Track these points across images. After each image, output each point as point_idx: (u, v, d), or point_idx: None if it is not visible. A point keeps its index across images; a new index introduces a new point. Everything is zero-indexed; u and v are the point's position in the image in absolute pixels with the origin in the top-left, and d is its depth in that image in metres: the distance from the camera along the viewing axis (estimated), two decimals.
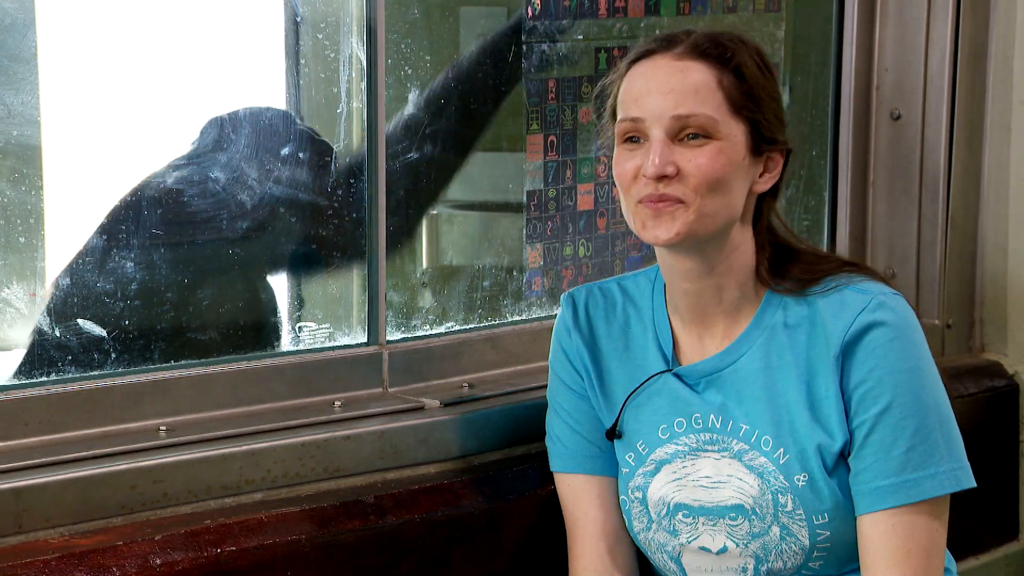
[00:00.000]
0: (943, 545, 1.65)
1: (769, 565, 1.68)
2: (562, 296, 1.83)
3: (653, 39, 1.65)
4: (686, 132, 1.60)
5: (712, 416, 1.69)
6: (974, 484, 1.65)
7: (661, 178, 1.59)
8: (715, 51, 1.61)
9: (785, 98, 2.52)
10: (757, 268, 1.69)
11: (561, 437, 1.80)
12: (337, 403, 1.92)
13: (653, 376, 1.73)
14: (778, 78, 1.68)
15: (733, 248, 1.66)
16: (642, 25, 2.29)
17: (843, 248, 2.53)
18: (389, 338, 2.01)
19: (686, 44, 1.62)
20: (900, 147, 2.52)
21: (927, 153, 2.50)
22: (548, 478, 1.87)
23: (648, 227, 1.61)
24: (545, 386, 1.86)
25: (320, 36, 2.05)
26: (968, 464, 1.65)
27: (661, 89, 1.60)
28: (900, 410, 1.62)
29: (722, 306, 1.69)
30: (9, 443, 1.66)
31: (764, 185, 1.65)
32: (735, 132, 1.61)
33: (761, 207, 1.69)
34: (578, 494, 1.78)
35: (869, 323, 1.63)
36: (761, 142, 1.63)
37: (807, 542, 1.66)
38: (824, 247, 2.54)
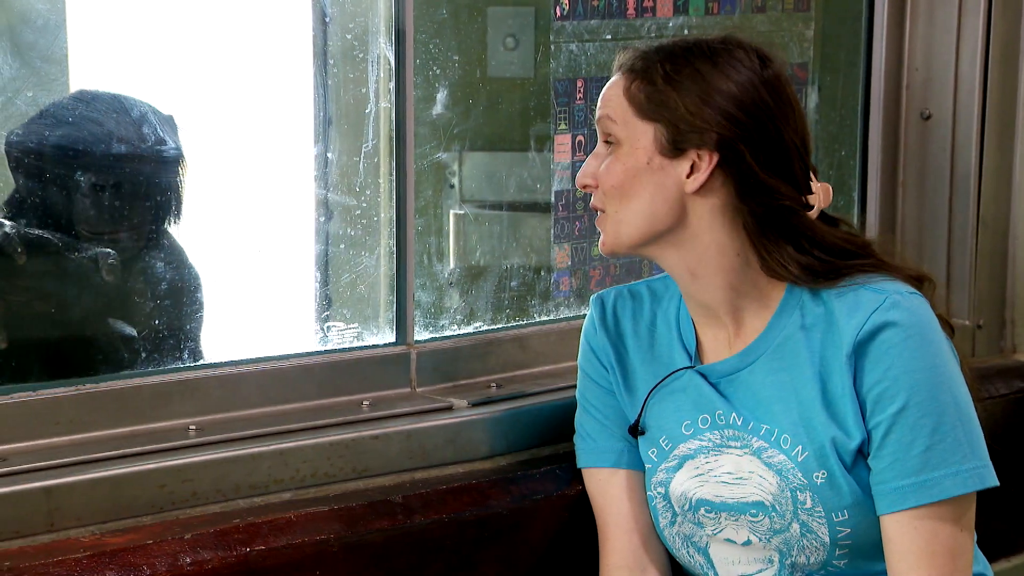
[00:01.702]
0: (969, 546, 1.64)
1: (793, 559, 1.68)
2: (591, 297, 1.83)
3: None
4: (606, 139, 1.69)
5: (734, 414, 1.70)
6: (997, 483, 1.63)
7: (585, 187, 1.70)
8: (632, 63, 1.68)
9: (814, 98, 2.51)
10: (762, 268, 1.68)
11: (591, 433, 1.81)
12: (365, 403, 1.92)
13: (676, 371, 1.73)
14: (707, 80, 1.64)
15: (704, 249, 1.66)
16: (670, 25, 2.28)
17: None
18: (417, 338, 2.01)
19: (618, 61, 1.71)
20: (930, 147, 2.51)
21: (958, 153, 2.49)
22: (576, 478, 1.87)
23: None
24: (573, 386, 1.87)
25: (349, 36, 2.06)
26: (990, 462, 1.64)
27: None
28: (917, 409, 1.61)
29: (727, 306, 1.70)
30: (40, 442, 1.67)
31: (692, 185, 1.65)
32: (639, 135, 1.65)
33: (751, 205, 1.65)
34: (609, 489, 1.79)
35: (882, 323, 1.62)
36: (678, 142, 1.64)
37: (827, 539, 1.65)
38: None
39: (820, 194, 1.70)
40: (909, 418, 1.61)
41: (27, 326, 1.77)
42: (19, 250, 1.71)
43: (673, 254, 1.68)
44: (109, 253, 1.79)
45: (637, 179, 1.66)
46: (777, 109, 1.65)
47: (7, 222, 1.74)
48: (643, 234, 1.67)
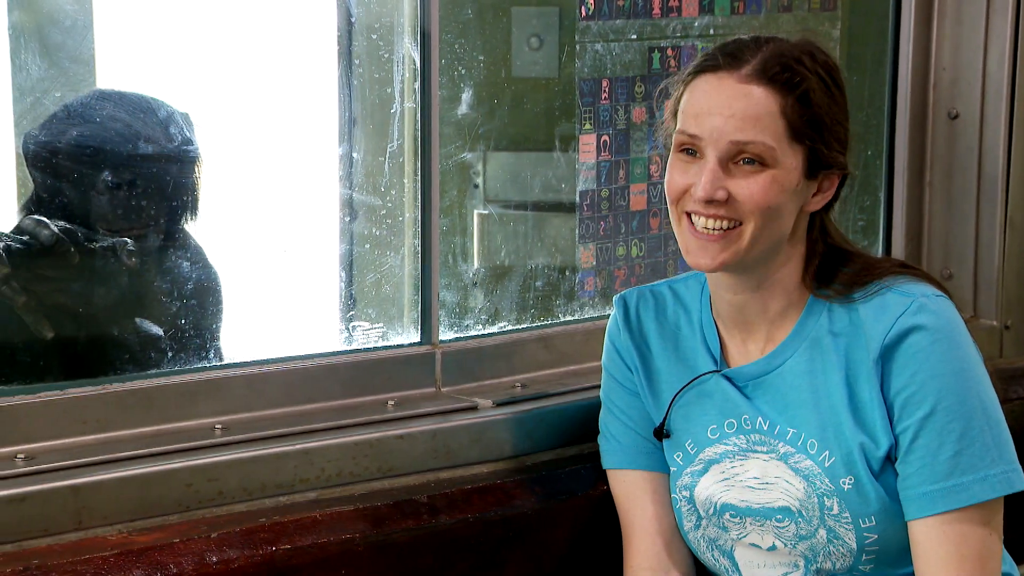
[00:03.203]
0: (998, 549, 1.63)
1: (819, 565, 1.67)
2: (614, 298, 1.83)
3: (721, 49, 1.63)
4: (742, 157, 1.60)
5: (760, 419, 1.69)
6: None
7: (710, 201, 1.60)
8: (782, 75, 1.59)
9: None
10: (803, 275, 1.68)
11: (616, 434, 1.81)
12: (390, 402, 1.92)
13: (702, 375, 1.72)
14: (846, 96, 1.65)
15: (781, 265, 1.66)
16: (696, 25, 2.28)
17: (899, 250, 2.51)
18: (442, 338, 2.01)
19: (753, 65, 1.60)
20: (957, 146, 2.49)
21: (985, 153, 2.47)
22: (601, 478, 1.86)
23: (691, 252, 1.63)
24: (598, 386, 1.86)
25: (374, 37, 2.06)
26: (1020, 466, 1.63)
27: (723, 111, 1.59)
28: (945, 414, 1.60)
29: (767, 315, 1.69)
30: (67, 441, 1.68)
31: (816, 205, 1.65)
32: (792, 159, 1.60)
33: (813, 219, 1.68)
34: (634, 491, 1.78)
35: (909, 327, 1.61)
36: (819, 167, 1.63)
37: (854, 545, 1.65)
38: (880, 248, 2.52)
39: None
40: (937, 423, 1.60)
41: (54, 325, 1.78)
42: (71, 250, 1.73)
43: (759, 268, 1.65)
44: (126, 242, 1.79)
45: (787, 200, 1.62)
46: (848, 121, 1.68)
47: (60, 222, 1.75)
48: (768, 250, 1.64)
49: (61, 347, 1.79)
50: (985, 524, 1.60)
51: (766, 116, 1.58)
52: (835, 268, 1.68)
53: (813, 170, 1.62)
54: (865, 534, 1.64)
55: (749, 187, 1.59)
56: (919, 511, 1.61)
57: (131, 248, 1.80)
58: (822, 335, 1.67)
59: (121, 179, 1.81)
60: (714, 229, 1.61)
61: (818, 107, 1.60)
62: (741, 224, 1.61)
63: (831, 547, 1.66)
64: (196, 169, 1.91)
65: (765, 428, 1.69)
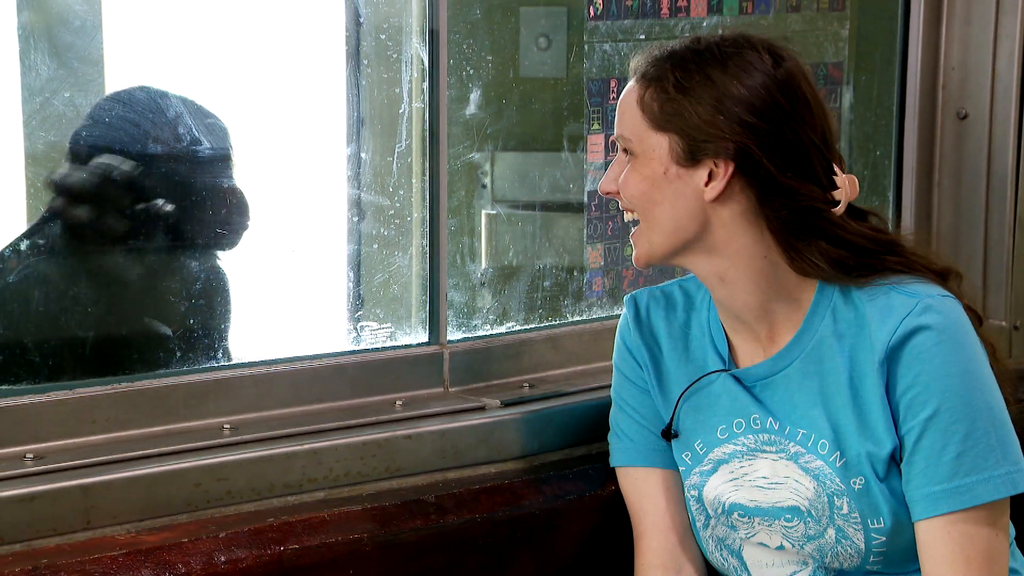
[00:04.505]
0: (1005, 549, 1.62)
1: (827, 564, 1.67)
2: (625, 298, 1.83)
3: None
4: (624, 149, 1.68)
5: (770, 419, 1.69)
6: None
7: (607, 193, 1.71)
8: (644, 69, 1.67)
9: (848, 97, 2.50)
10: (798, 266, 1.66)
11: (627, 432, 1.81)
12: (398, 402, 1.92)
13: (708, 374, 1.73)
14: (718, 86, 1.62)
15: (732, 255, 1.65)
16: (704, 25, 2.28)
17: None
18: (450, 338, 2.01)
19: (632, 66, 1.70)
20: (966, 147, 2.49)
21: (994, 153, 2.47)
22: (609, 478, 1.86)
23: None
24: (606, 386, 1.86)
25: (382, 37, 2.06)
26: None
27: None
28: (949, 415, 1.59)
29: (758, 311, 1.69)
30: (76, 440, 1.68)
31: (710, 193, 1.63)
32: (655, 146, 1.64)
33: (773, 208, 1.64)
34: (646, 488, 1.78)
35: (914, 327, 1.60)
36: (694, 152, 1.62)
37: (863, 545, 1.64)
38: None
39: (846, 187, 1.66)
40: (941, 423, 1.59)
41: (63, 325, 1.79)
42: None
43: (703, 262, 1.68)
44: (158, 203, 1.81)
45: (656, 189, 1.65)
46: (792, 110, 1.63)
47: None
48: (671, 244, 1.67)
49: (70, 346, 1.79)
50: (991, 524, 1.60)
51: (628, 109, 1.67)
52: (840, 255, 1.65)
53: (689, 156, 1.62)
54: (873, 535, 1.64)
55: (622, 178, 1.67)
56: (924, 512, 1.61)
57: (167, 210, 1.80)
58: (826, 336, 1.67)
59: (140, 181, 1.82)
60: (632, 224, 1.71)
61: (677, 94, 1.62)
62: (637, 220, 1.69)
63: (839, 547, 1.66)
64: (212, 169, 1.91)
65: (775, 428, 1.69)
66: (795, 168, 1.63)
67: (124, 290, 1.86)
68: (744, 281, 1.67)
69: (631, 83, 1.69)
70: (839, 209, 1.66)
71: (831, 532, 1.66)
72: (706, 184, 1.63)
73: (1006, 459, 1.60)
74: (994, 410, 1.61)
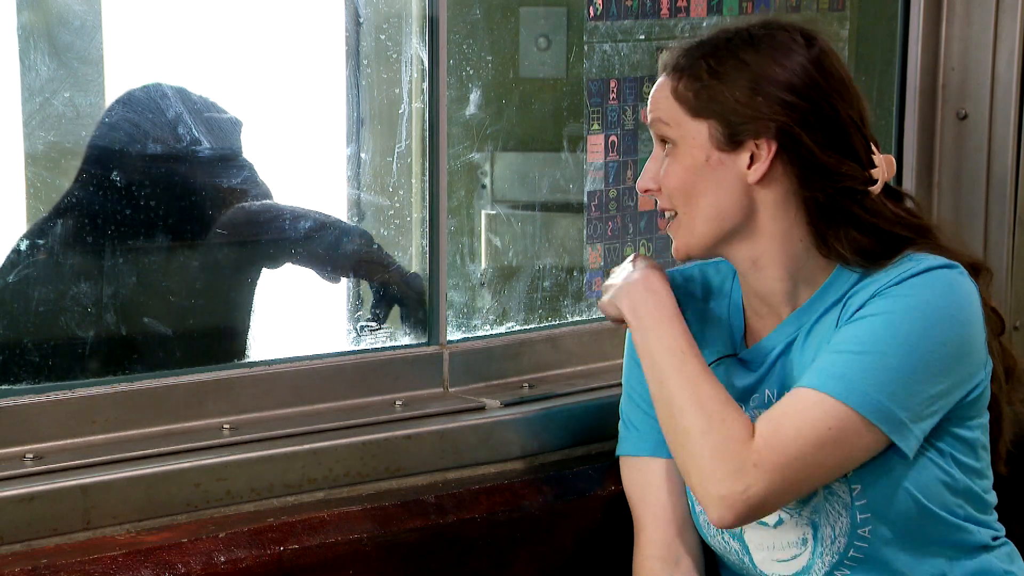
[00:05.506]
0: (828, 455, 1.57)
1: (822, 533, 1.67)
2: None
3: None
4: (660, 137, 1.69)
5: (768, 392, 1.70)
6: (909, 453, 1.59)
7: (646, 191, 1.69)
8: (675, 62, 1.67)
9: None
10: (827, 251, 1.66)
11: (634, 421, 1.81)
12: (398, 403, 1.92)
13: (715, 361, 1.73)
14: (742, 70, 1.63)
15: (770, 239, 1.66)
16: (704, 25, 2.28)
17: None
18: (450, 338, 2.01)
19: (662, 62, 1.70)
20: (966, 147, 2.49)
21: (994, 153, 2.47)
22: (610, 478, 1.86)
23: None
24: (606, 386, 1.87)
25: (382, 37, 2.06)
26: (906, 428, 1.57)
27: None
28: (870, 326, 1.58)
29: (784, 295, 1.70)
30: (76, 440, 1.68)
31: (754, 175, 1.64)
32: (694, 134, 1.64)
33: (816, 188, 1.64)
34: (650, 478, 1.78)
35: (903, 277, 1.61)
36: (734, 135, 1.63)
37: (848, 498, 1.64)
38: None
39: (883, 166, 1.67)
40: (866, 326, 1.58)
41: (68, 324, 1.79)
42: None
43: (743, 248, 1.67)
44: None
45: (699, 178, 1.65)
46: (829, 87, 1.64)
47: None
48: (716, 233, 1.66)
49: (70, 346, 1.79)
50: (839, 428, 1.56)
51: (663, 99, 1.67)
52: (866, 238, 1.65)
53: (730, 140, 1.63)
54: (853, 486, 1.64)
55: (663, 171, 1.67)
56: (804, 381, 1.59)
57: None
58: (828, 307, 1.67)
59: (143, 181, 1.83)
60: (668, 219, 1.70)
61: (710, 80, 1.63)
62: (676, 213, 1.68)
63: (828, 505, 1.65)
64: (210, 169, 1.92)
65: (775, 400, 1.69)
66: (835, 146, 1.64)
67: (126, 288, 1.86)
68: (775, 266, 1.68)
69: (661, 78, 1.68)
70: (876, 188, 1.66)
71: (820, 489, 1.66)
72: (748, 167, 1.64)
73: (893, 399, 1.56)
74: (918, 367, 1.58)
